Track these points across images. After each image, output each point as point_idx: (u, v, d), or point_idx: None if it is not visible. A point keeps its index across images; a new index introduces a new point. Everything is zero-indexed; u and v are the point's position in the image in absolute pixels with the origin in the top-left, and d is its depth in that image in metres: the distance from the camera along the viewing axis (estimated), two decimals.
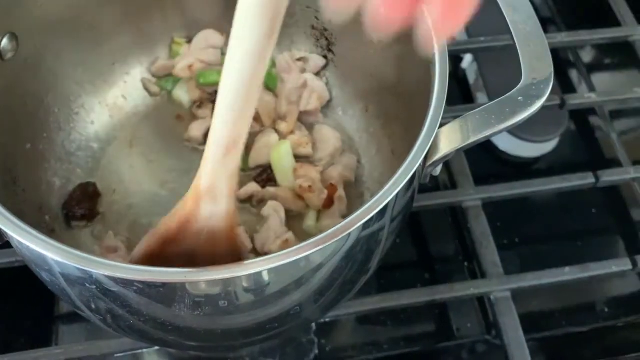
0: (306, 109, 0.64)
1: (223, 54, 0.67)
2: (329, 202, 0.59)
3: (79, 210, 0.59)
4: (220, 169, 0.37)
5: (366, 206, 0.40)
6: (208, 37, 0.66)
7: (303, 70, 0.65)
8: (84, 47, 0.61)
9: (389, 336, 0.63)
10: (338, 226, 0.39)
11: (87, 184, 0.61)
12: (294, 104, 0.65)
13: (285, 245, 0.56)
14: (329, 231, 0.39)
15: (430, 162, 0.45)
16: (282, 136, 0.64)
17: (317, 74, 0.66)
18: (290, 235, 0.57)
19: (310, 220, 0.59)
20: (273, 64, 0.66)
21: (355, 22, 0.60)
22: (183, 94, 0.66)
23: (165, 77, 0.67)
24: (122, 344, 0.56)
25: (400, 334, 0.63)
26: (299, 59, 0.66)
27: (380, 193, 0.41)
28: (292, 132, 0.64)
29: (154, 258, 0.41)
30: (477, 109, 0.45)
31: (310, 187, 0.59)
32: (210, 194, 0.37)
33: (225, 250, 0.41)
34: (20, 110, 0.56)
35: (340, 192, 0.59)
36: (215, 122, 0.35)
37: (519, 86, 0.46)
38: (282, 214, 0.58)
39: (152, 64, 0.67)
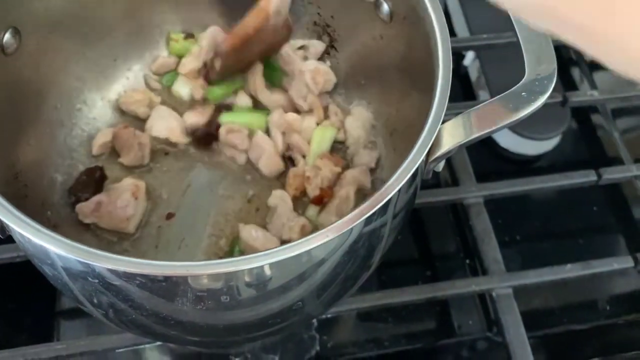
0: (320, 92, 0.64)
1: None
2: (318, 200, 0.59)
3: (84, 195, 0.58)
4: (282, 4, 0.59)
5: (369, 201, 0.40)
6: (215, 35, 0.65)
7: (305, 58, 0.65)
8: (85, 42, 0.61)
9: (390, 333, 0.63)
10: (340, 221, 0.39)
11: (94, 168, 0.60)
12: (307, 91, 0.64)
13: (304, 231, 0.56)
14: (331, 226, 0.39)
15: (433, 158, 0.45)
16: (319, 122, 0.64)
17: (319, 59, 0.66)
18: (304, 220, 0.57)
19: (311, 210, 0.59)
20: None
21: (358, 21, 0.60)
22: (183, 89, 0.65)
23: (166, 74, 0.67)
24: (123, 339, 0.56)
25: (401, 331, 0.64)
26: (300, 48, 0.66)
27: (383, 188, 0.41)
28: (326, 117, 0.64)
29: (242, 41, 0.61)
30: (480, 105, 0.45)
31: (309, 177, 0.59)
32: (275, 13, 0.59)
33: (281, 33, 0.63)
34: (22, 105, 0.56)
35: (349, 193, 0.59)
36: None
37: (522, 82, 0.46)
38: (289, 201, 0.58)
39: (153, 61, 0.67)
